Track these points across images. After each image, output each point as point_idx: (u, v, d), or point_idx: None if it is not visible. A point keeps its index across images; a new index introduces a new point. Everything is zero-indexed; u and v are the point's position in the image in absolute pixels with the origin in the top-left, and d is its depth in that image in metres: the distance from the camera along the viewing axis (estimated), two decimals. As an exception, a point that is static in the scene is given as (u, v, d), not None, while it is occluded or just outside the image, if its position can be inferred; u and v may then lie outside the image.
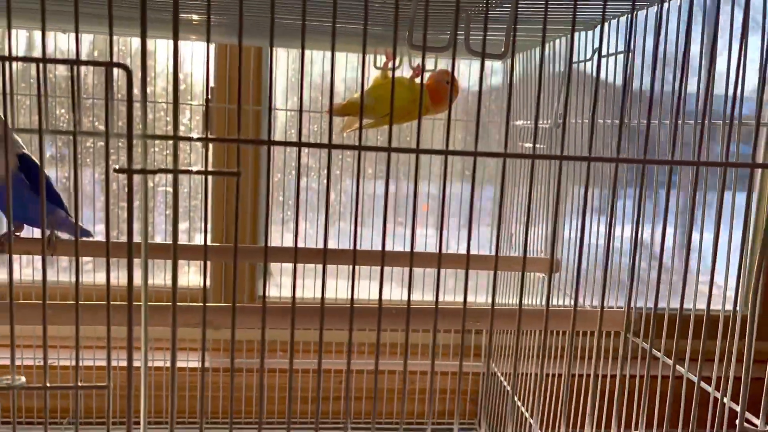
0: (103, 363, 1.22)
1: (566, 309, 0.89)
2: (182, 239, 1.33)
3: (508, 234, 1.27)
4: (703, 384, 0.62)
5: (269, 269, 1.42)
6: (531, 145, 1.16)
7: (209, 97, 0.85)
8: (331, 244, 1.29)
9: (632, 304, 0.83)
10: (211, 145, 1.23)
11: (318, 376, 0.57)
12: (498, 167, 1.33)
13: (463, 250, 1.32)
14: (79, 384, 0.47)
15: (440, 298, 0.57)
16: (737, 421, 0.54)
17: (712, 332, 0.63)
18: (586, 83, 1.02)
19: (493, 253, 1.37)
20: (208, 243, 1.31)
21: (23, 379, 0.47)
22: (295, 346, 1.37)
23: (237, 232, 0.64)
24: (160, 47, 1.35)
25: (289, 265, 1.32)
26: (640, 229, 0.70)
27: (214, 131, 1.32)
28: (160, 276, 1.28)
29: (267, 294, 1.43)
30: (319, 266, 1.24)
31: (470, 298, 1.44)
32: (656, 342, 0.75)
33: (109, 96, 0.45)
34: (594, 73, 0.95)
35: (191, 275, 1.43)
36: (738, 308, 0.67)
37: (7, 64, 0.45)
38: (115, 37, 1.25)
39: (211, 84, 1.36)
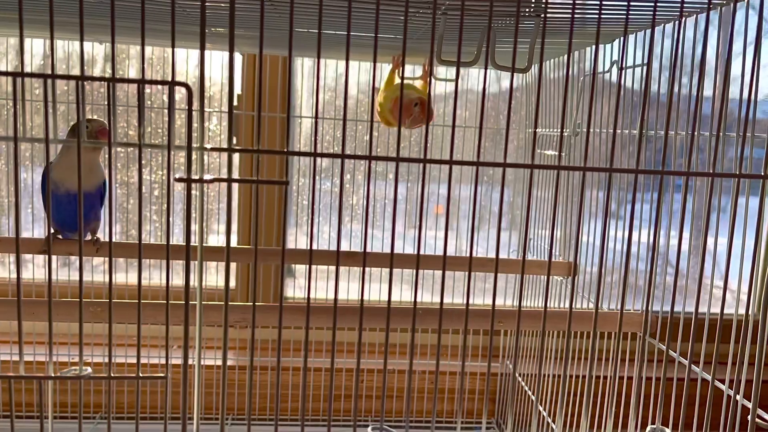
0: (133, 360, 1.26)
1: (586, 311, 0.93)
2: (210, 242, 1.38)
3: (525, 237, 1.30)
4: (717, 383, 0.65)
5: (293, 270, 1.46)
6: (550, 152, 1.20)
7: (233, 105, 0.89)
8: (346, 246, 1.33)
9: (650, 307, 0.86)
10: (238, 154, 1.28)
11: (330, 374, 0.61)
12: (513, 171, 1.36)
13: (475, 253, 1.35)
14: (140, 375, 0.52)
15: (452, 300, 0.61)
16: (749, 417, 0.58)
17: (727, 336, 0.66)
18: (604, 93, 1.05)
19: (507, 255, 1.41)
20: (236, 245, 1.35)
21: (89, 369, 0.52)
22: (310, 345, 1.41)
23: (256, 234, 0.68)
24: (180, 57, 1.39)
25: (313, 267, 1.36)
26: (657, 235, 0.73)
27: (241, 139, 1.36)
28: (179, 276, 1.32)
29: (292, 295, 1.48)
30: (332, 268, 1.28)
31: (482, 301, 1.47)
32: (673, 345, 0.78)
33: (171, 112, 0.49)
34: (612, 82, 0.98)
35: (216, 276, 1.48)
36: (751, 312, 0.71)
37: (72, 83, 0.50)
38: (122, 45, 1.30)
39: (239, 91, 1.41)
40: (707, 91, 0.74)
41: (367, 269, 1.30)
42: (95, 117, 1.12)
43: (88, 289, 1.21)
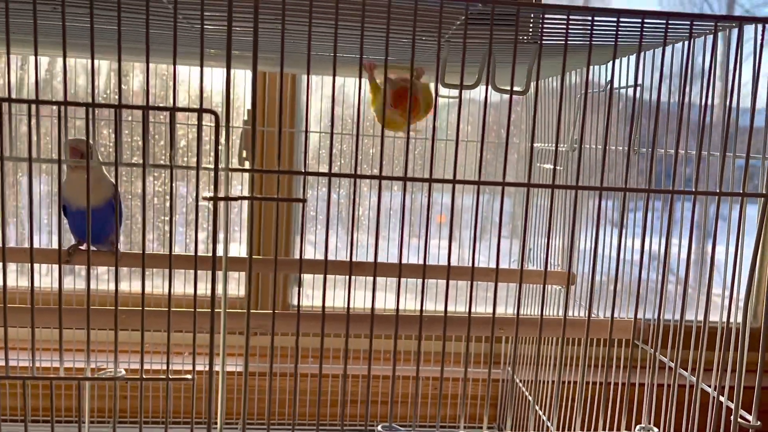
0: (156, 367, 1.31)
1: (581, 319, 0.97)
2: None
3: (523, 248, 1.35)
4: (703, 385, 0.70)
5: (301, 280, 1.51)
6: (548, 166, 1.25)
7: (245, 120, 0.93)
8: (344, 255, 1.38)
9: (641, 314, 0.91)
10: (247, 165, 1.33)
11: (342, 380, 0.65)
12: (513, 180, 1.41)
13: (477, 263, 1.40)
14: (170, 377, 0.56)
15: (455, 309, 0.65)
16: (732, 417, 0.62)
17: (712, 343, 0.70)
18: (600, 109, 1.10)
19: (509, 265, 1.45)
20: (243, 255, 1.40)
21: (123, 371, 0.56)
22: (316, 353, 1.45)
23: (277, 246, 0.72)
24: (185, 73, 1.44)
25: (316, 276, 1.41)
26: (663, 245, 0.78)
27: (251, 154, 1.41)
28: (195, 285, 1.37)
29: (294, 303, 1.53)
30: (342, 277, 1.33)
31: (483, 309, 1.51)
32: (664, 351, 0.82)
33: (200, 137, 0.54)
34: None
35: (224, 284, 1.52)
36: (733, 319, 0.75)
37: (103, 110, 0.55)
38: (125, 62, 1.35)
39: (248, 107, 1.46)
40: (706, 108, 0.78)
41: (365, 277, 1.34)
42: (78, 136, 1.16)
43: (97, 296, 1.26)
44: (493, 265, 1.37)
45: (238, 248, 1.43)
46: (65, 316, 0.60)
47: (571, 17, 0.59)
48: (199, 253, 1.26)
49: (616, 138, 1.02)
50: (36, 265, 1.25)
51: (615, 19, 0.60)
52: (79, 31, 0.85)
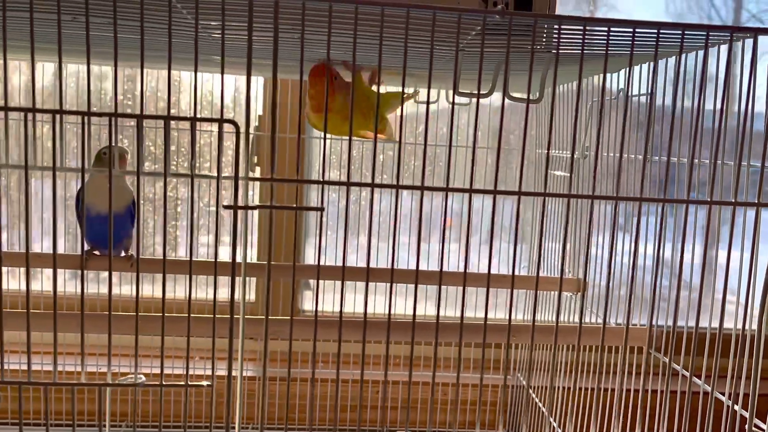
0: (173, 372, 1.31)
1: (594, 326, 0.97)
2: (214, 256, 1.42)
3: (539, 255, 1.35)
4: (717, 394, 0.70)
5: (310, 285, 1.51)
6: (559, 173, 1.25)
7: (255, 126, 0.93)
8: (354, 261, 1.38)
9: (654, 322, 0.91)
10: (258, 172, 1.34)
11: (360, 385, 0.66)
12: (524, 182, 1.41)
13: (484, 267, 1.39)
14: (189, 383, 0.57)
15: (465, 314, 0.66)
16: (747, 426, 0.62)
17: (729, 349, 0.71)
18: (611, 118, 1.10)
19: (519, 271, 1.45)
20: (255, 261, 1.41)
21: (143, 377, 0.57)
22: (332, 358, 1.46)
23: (295, 252, 0.72)
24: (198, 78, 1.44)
25: (327, 282, 1.41)
26: (677, 252, 0.78)
27: (261, 160, 1.42)
28: (204, 290, 1.38)
29: (305, 308, 1.53)
30: (352, 282, 1.33)
31: (494, 315, 1.52)
32: (676, 358, 0.82)
33: (220, 147, 0.55)
34: (620, 107, 1.03)
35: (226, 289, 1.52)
36: (748, 326, 0.75)
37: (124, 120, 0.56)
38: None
39: (259, 112, 1.47)
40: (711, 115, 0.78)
41: (378, 283, 1.35)
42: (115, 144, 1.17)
43: (115, 302, 1.27)
44: (503, 271, 1.38)
45: (247, 254, 1.44)
46: (86, 322, 0.61)
47: (587, 28, 0.60)
48: (210, 259, 1.26)
49: (628, 145, 1.02)
50: (48, 271, 1.26)
51: (631, 30, 0.60)
52: (97, 41, 0.86)
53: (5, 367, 0.56)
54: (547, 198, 1.29)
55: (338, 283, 1.37)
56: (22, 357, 1.01)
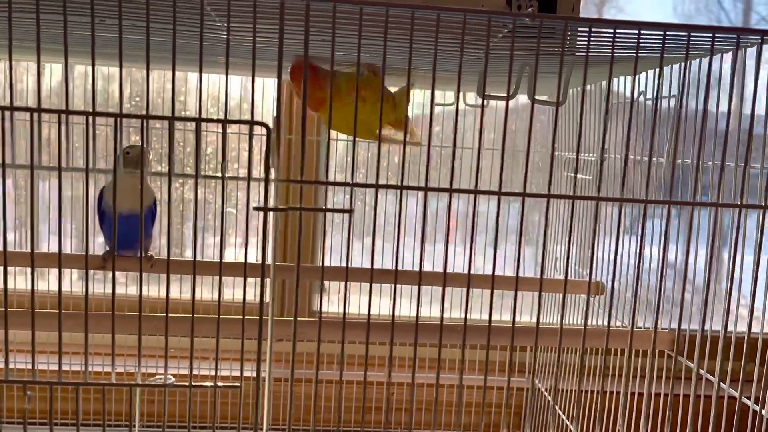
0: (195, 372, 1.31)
1: (619, 329, 0.96)
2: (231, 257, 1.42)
3: (542, 257, 1.35)
4: (744, 399, 0.70)
5: (324, 286, 1.51)
6: (580, 176, 1.25)
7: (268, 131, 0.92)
8: (358, 262, 1.38)
9: (674, 325, 0.90)
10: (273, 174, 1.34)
11: (385, 388, 0.66)
12: (530, 184, 1.41)
13: (490, 269, 1.39)
14: (217, 384, 0.57)
15: (471, 316, 0.66)
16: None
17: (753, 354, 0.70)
18: (623, 119, 1.10)
19: (524, 273, 1.45)
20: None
21: (172, 378, 0.57)
22: (359, 360, 1.46)
23: (323, 255, 0.73)
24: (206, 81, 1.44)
25: (338, 282, 1.41)
26: (665, 255, 0.78)
27: (276, 162, 1.42)
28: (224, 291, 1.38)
29: (326, 310, 1.53)
30: (358, 284, 1.33)
31: (500, 316, 1.51)
32: (701, 362, 0.82)
33: (251, 149, 0.55)
34: (643, 110, 1.03)
35: (242, 289, 1.52)
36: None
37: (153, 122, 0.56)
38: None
39: (274, 113, 1.47)
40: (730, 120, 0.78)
41: (387, 285, 1.35)
42: (134, 144, 1.17)
43: (126, 302, 1.27)
44: (508, 273, 1.37)
45: (256, 254, 1.44)
46: (111, 323, 0.61)
47: (618, 30, 0.60)
48: (232, 260, 1.26)
49: (635, 147, 1.02)
50: (68, 270, 1.27)
51: (662, 33, 0.60)
52: (113, 42, 0.86)
53: (36, 367, 0.57)
54: (553, 200, 1.30)
55: (349, 283, 1.37)
56: (51, 357, 1.01)
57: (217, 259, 1.33)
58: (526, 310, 1.47)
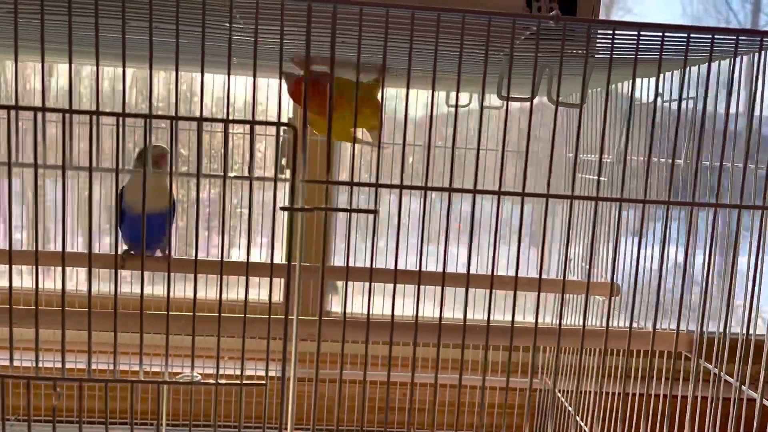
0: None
1: (625, 330, 0.96)
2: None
3: (565, 258, 1.35)
4: (766, 401, 0.70)
5: (337, 287, 1.52)
6: (592, 176, 1.25)
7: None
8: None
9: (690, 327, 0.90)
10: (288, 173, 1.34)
11: (410, 388, 0.66)
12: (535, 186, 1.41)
13: (496, 271, 1.39)
14: (243, 383, 0.58)
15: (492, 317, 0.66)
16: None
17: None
18: (643, 123, 1.10)
19: (526, 273, 1.45)
20: (282, 261, 1.42)
21: (199, 376, 0.58)
22: (355, 359, 1.46)
23: (347, 255, 0.73)
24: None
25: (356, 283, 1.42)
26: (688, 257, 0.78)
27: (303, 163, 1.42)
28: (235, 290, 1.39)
29: (333, 309, 1.54)
30: (375, 284, 1.33)
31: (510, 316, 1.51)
32: (710, 362, 0.82)
33: (278, 149, 0.55)
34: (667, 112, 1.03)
35: (260, 289, 1.53)
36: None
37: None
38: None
39: (290, 115, 1.48)
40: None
41: (400, 286, 1.35)
42: (158, 143, 1.18)
43: (152, 301, 1.28)
44: (531, 274, 1.37)
45: (264, 254, 1.44)
46: (136, 322, 0.62)
47: (641, 33, 0.60)
48: (258, 260, 1.26)
49: (659, 149, 1.01)
50: (83, 269, 1.28)
51: (685, 35, 0.60)
52: (139, 44, 0.87)
53: (65, 365, 0.57)
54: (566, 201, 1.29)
55: (364, 284, 1.37)
56: (78, 356, 1.02)
57: (239, 260, 1.35)
58: (536, 311, 1.46)
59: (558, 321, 0.81)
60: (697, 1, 1.68)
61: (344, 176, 1.49)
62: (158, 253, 1.10)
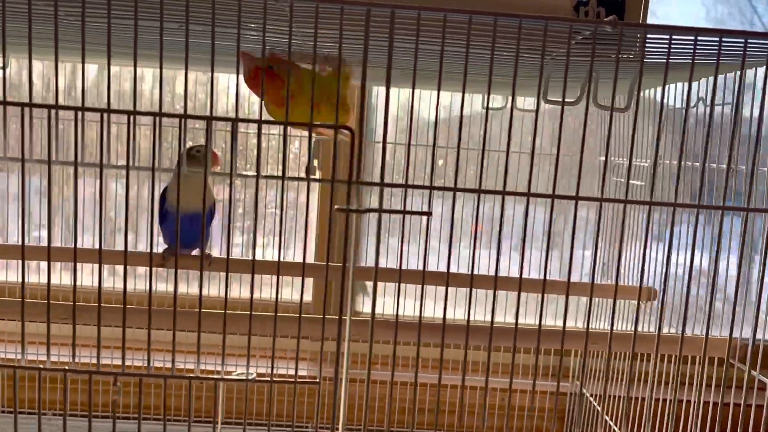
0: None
1: (670, 335, 0.96)
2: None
3: (594, 261, 1.34)
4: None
5: (366, 288, 1.52)
6: (623, 180, 1.25)
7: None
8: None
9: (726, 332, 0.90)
10: (318, 174, 1.35)
11: (460, 389, 0.67)
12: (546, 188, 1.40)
13: (515, 273, 1.39)
14: (297, 380, 0.59)
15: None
16: None
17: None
18: (676, 129, 1.10)
19: (549, 276, 1.44)
20: (311, 261, 1.42)
21: (254, 373, 0.59)
22: (412, 362, 1.45)
23: (400, 256, 0.73)
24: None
25: (382, 283, 1.42)
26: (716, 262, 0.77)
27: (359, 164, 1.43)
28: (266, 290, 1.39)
29: (363, 310, 1.55)
30: (405, 286, 1.33)
31: (548, 321, 1.51)
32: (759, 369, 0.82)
33: (336, 151, 0.56)
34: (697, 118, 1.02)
35: (287, 289, 1.54)
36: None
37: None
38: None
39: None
40: None
41: (457, 288, 1.34)
42: (201, 144, 1.19)
43: (187, 299, 1.29)
44: (533, 276, 1.37)
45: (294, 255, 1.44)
46: (191, 320, 0.63)
47: (673, 37, 0.60)
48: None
49: (693, 153, 1.01)
50: (135, 269, 1.28)
51: (718, 39, 0.60)
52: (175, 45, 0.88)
53: (124, 362, 0.59)
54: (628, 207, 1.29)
55: (392, 285, 1.37)
56: (135, 354, 1.04)
57: (279, 260, 1.35)
58: (564, 314, 1.46)
59: (586, 324, 0.81)
60: (721, 4, 1.68)
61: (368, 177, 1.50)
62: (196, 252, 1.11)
